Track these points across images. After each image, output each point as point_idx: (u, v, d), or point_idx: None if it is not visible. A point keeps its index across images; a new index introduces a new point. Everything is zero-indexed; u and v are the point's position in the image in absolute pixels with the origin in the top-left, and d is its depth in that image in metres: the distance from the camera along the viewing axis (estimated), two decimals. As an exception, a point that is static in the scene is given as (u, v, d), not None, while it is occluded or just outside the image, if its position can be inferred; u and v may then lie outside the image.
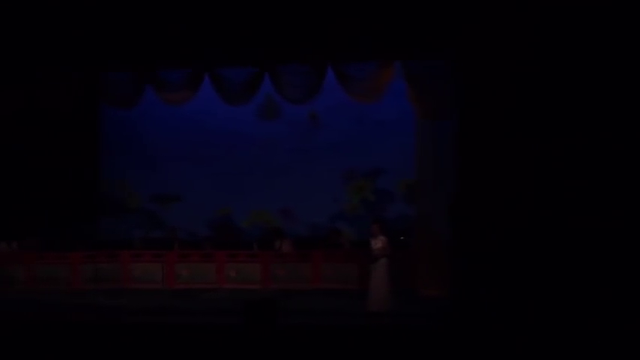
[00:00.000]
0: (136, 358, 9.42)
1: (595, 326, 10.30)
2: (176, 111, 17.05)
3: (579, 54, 12.71)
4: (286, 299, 13.77)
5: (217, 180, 18.31)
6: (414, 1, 13.54)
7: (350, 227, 17.86)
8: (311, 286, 15.27)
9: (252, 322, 7.53)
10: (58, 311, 13.13)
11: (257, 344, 7.63)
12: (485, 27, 12.96)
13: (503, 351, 9.52)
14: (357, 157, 17.93)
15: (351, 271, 15.14)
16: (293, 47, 14.33)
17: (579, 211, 12.38)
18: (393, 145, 17.36)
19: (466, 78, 13.57)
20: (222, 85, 15.12)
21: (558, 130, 13.06)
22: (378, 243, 13.31)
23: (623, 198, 12.09)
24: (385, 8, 13.64)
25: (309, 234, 17.83)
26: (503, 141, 13.40)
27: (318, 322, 12.07)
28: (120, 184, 18.62)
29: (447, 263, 13.85)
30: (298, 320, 11.50)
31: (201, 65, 14.96)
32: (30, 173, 17.14)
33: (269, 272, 15.57)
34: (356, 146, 17.90)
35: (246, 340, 7.61)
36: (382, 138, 17.66)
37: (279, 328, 7.65)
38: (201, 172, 18.35)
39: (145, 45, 14.27)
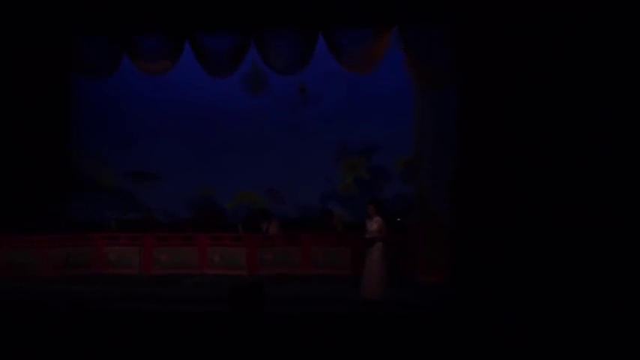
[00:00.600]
0: (112, 349, 9.40)
1: (605, 319, 10.33)
2: (155, 82, 17.07)
3: (588, 21, 12.68)
4: (274, 286, 13.69)
5: (199, 157, 18.32)
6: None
7: (343, 208, 17.89)
8: (301, 272, 15.32)
9: (238, 310, 7.48)
10: (25, 300, 13.02)
11: (243, 334, 7.58)
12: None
13: (507, 342, 9.53)
14: (350, 133, 17.94)
15: (344, 255, 15.24)
16: (281, 12, 14.25)
17: (592, 193, 12.41)
18: (390, 119, 17.38)
19: (467, 44, 13.55)
20: (204, 54, 15.06)
21: (569, 100, 13.04)
22: (373, 225, 13.26)
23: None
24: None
25: (298, 216, 17.86)
26: (509, 112, 13.39)
27: (308, 311, 12.09)
28: (94, 161, 18.62)
29: (447, 246, 13.93)
30: (287, 308, 11.52)
31: (181, 31, 14.89)
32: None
33: (255, 257, 15.60)
34: (349, 121, 17.92)
35: (231, 329, 7.55)
36: (378, 112, 17.67)
37: (267, 317, 7.60)
38: (181, 149, 18.35)
39: (121, 7, 14.14)
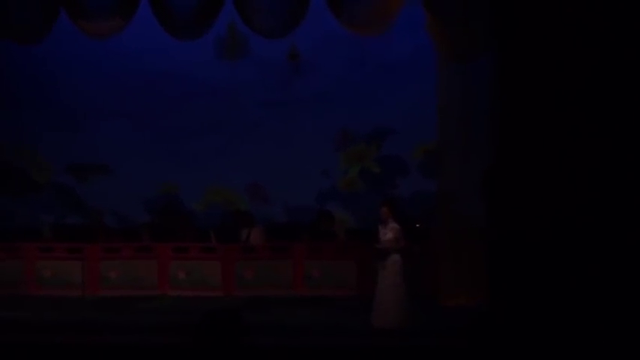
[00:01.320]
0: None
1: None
2: (103, 48, 17.06)
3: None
4: (256, 311, 13.71)
5: (160, 144, 18.41)
6: None
7: (345, 210, 18.04)
8: (291, 293, 15.46)
9: (209, 342, 7.22)
10: None
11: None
12: None
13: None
14: (355, 113, 18.03)
15: (348, 270, 15.38)
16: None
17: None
18: (406, 96, 17.53)
19: (510, 2, 13.43)
20: (165, 9, 14.98)
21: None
22: (388, 233, 13.22)
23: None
24: None
25: (288, 220, 18.00)
26: (561, 90, 13.20)
27: (300, 343, 12.00)
28: (24, 150, 18.67)
29: (481, 260, 13.72)
30: (273, 340, 11.38)
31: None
32: None
33: (233, 273, 15.70)
34: (354, 98, 18.00)
35: None
36: (390, 86, 17.77)
37: (246, 352, 7.41)
38: (137, 134, 18.46)
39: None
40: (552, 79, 13.29)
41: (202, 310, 7.48)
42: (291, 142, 18.01)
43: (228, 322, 7.52)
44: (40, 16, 15.07)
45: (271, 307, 14.64)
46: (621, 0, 12.85)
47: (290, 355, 10.87)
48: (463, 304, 14.31)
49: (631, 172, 12.57)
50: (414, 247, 14.15)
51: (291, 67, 18.11)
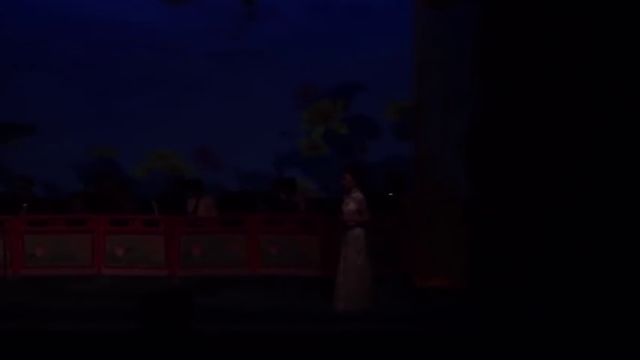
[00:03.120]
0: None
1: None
2: None
3: None
4: (205, 293, 13.73)
5: (93, 102, 18.39)
6: None
7: (307, 177, 18.14)
8: (245, 272, 15.38)
9: (151, 329, 7.37)
10: None
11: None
12: None
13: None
14: (318, 66, 18.05)
15: (310, 247, 15.35)
16: None
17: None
18: (378, 46, 17.58)
19: None
20: None
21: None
22: (349, 203, 13.34)
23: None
24: None
25: (241, 188, 18.06)
26: (553, 41, 13.31)
27: (255, 329, 12.15)
28: None
29: (463, 235, 13.89)
30: (224, 326, 11.57)
31: None
32: None
33: (178, 250, 15.64)
34: (317, 47, 18.01)
35: (140, 357, 7.46)
36: (360, 35, 17.80)
37: (194, 339, 7.54)
38: (66, 90, 18.44)
39: None
40: (543, 27, 13.41)
41: (143, 293, 7.61)
42: (245, 99, 17.99)
43: (173, 306, 7.64)
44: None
45: (222, 288, 14.75)
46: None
47: (243, 343, 10.84)
48: (441, 286, 14.39)
49: (631, 136, 12.74)
50: (384, 220, 14.30)
51: (245, 12, 18.14)
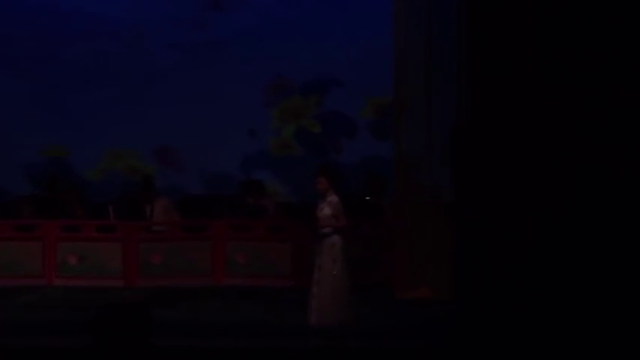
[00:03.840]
0: None
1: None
2: None
3: None
4: (166, 305, 13.77)
5: (43, 98, 18.25)
6: None
7: (278, 180, 18.13)
8: (209, 282, 15.49)
9: (106, 344, 7.15)
10: None
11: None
12: None
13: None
14: (290, 59, 18.00)
15: (279, 254, 15.48)
16: None
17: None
18: (355, 38, 17.52)
19: None
20: None
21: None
22: (324, 208, 13.25)
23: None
24: None
25: (206, 192, 18.04)
26: (542, 33, 13.16)
27: (220, 345, 12.08)
28: None
29: (447, 242, 13.93)
30: (186, 342, 11.60)
31: None
32: None
33: (136, 258, 15.61)
34: (289, 39, 17.95)
35: None
36: (335, 26, 17.79)
37: (153, 354, 7.33)
38: (14, 84, 18.30)
39: None
40: (531, 17, 13.24)
41: (98, 305, 7.40)
42: (210, 94, 18.00)
43: (130, 319, 7.42)
44: None
45: (184, 300, 14.71)
46: None
47: (207, 359, 11.05)
48: (423, 297, 14.38)
49: (617, 133, 12.63)
50: (364, 226, 14.13)
51: (210, 0, 18.08)
